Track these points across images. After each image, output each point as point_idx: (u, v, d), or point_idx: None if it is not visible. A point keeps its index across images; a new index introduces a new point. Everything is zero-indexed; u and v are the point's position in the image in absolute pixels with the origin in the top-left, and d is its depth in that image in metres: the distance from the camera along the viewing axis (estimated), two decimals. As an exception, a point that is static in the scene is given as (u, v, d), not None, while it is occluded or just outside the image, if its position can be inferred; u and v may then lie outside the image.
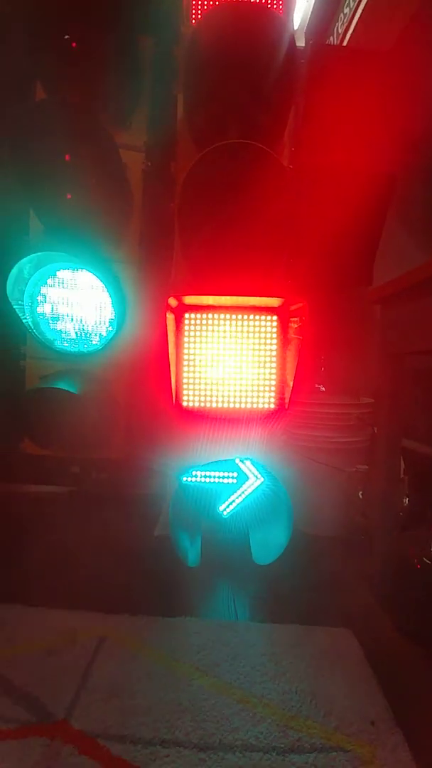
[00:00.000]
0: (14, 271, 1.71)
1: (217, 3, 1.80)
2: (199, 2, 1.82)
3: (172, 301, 1.61)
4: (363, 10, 2.09)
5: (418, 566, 1.39)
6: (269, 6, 1.79)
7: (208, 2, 1.82)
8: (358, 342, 2.37)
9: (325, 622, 1.44)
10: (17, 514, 2.14)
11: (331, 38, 2.34)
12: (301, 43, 2.26)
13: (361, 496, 1.98)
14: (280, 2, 1.85)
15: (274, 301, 1.65)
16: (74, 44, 1.83)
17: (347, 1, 2.26)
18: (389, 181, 1.93)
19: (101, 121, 1.66)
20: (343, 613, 1.49)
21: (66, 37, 1.82)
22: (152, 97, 1.92)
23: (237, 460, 1.75)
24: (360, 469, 2.02)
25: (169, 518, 1.63)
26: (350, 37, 2.24)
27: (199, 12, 1.81)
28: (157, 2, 1.93)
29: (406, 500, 1.81)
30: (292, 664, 1.29)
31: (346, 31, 2.25)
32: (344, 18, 2.30)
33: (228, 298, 1.64)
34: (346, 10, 2.28)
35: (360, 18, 2.13)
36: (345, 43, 2.27)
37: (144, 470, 2.23)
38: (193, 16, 1.81)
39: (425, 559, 1.38)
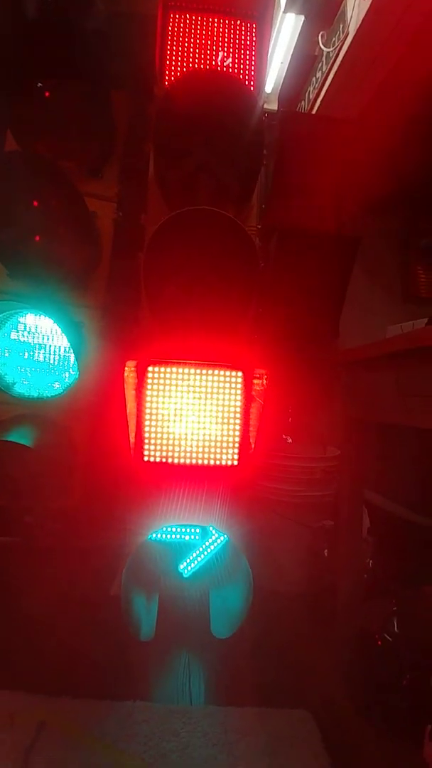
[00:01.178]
0: (-29, 318, 1.64)
1: (190, 67, 1.86)
2: (173, 64, 1.86)
3: (131, 364, 1.58)
4: (333, 77, 2.19)
5: (379, 642, 1.35)
6: (241, 77, 1.85)
7: (182, 65, 1.86)
8: (325, 391, 2.38)
9: (284, 702, 1.37)
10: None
11: (303, 102, 2.45)
12: (273, 106, 2.36)
13: (326, 554, 1.94)
14: (252, 69, 1.92)
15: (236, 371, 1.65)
16: (47, 93, 1.85)
17: (319, 66, 2.38)
18: (353, 244, 2.00)
19: (68, 172, 1.65)
20: (303, 690, 1.43)
21: (39, 85, 1.84)
22: (125, 151, 1.93)
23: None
24: (326, 525, 1.99)
25: (123, 581, 1.53)
26: (321, 102, 2.35)
27: (173, 74, 1.85)
28: (131, 59, 1.98)
29: (370, 562, 1.78)
30: (246, 753, 1.21)
31: (317, 96, 2.36)
32: (316, 82, 2.42)
33: (191, 363, 1.63)
34: (318, 75, 2.40)
35: (330, 84, 2.24)
36: (316, 107, 2.38)
37: (102, 521, 2.12)
38: (167, 77, 1.85)
39: (386, 636, 1.34)
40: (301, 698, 1.39)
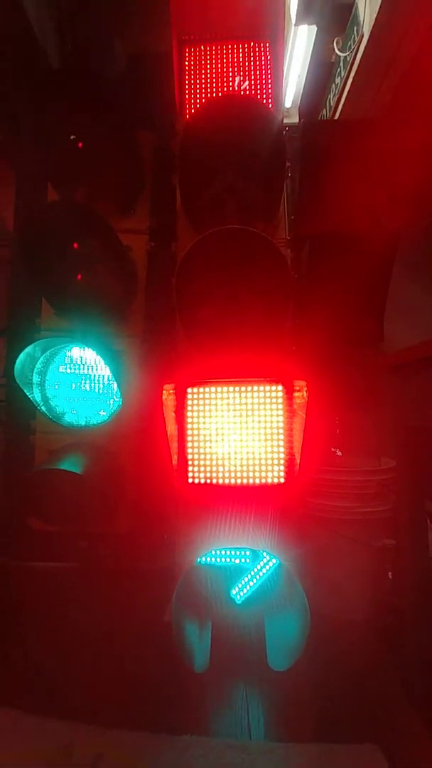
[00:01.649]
0: (22, 356, 1.77)
1: (209, 97, 1.92)
2: (192, 97, 1.94)
3: (168, 387, 1.60)
4: (353, 80, 2.16)
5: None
6: (259, 96, 1.89)
7: (201, 96, 1.94)
8: (373, 396, 2.26)
9: (349, 736, 1.27)
10: (22, 593, 2.08)
11: (324, 111, 2.43)
12: (295, 119, 2.36)
13: (390, 577, 1.80)
14: (270, 87, 1.94)
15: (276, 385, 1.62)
16: (80, 144, 2.00)
17: (338, 72, 2.36)
18: (391, 241, 1.92)
19: (104, 215, 1.75)
20: (370, 723, 1.31)
21: (72, 137, 1.99)
22: (153, 186, 2.03)
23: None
24: (387, 544, 1.84)
25: (174, 609, 1.51)
26: (342, 107, 2.31)
27: (193, 106, 1.93)
28: (151, 98, 2.09)
29: (440, 584, 1.62)
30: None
31: (338, 102, 2.33)
32: (336, 89, 2.39)
33: (229, 381, 1.62)
34: (338, 80, 2.37)
35: (350, 88, 2.20)
36: (338, 113, 2.35)
37: (153, 543, 2.14)
38: (187, 111, 1.93)
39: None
40: (369, 731, 1.27)
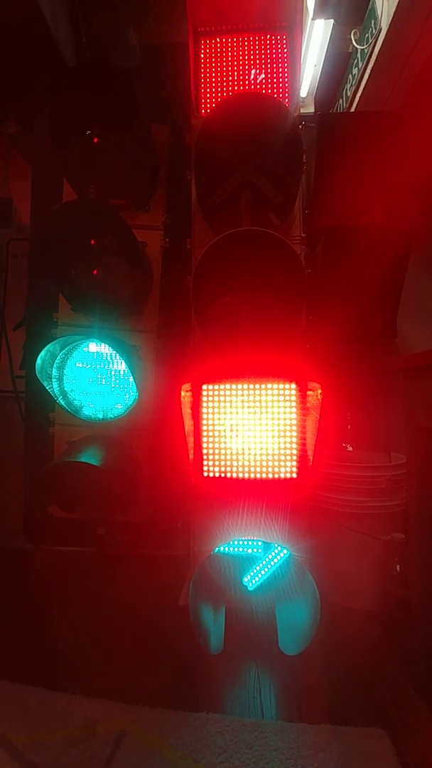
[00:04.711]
0: (43, 353, 1.82)
1: (225, 90, 1.91)
2: (208, 90, 1.93)
3: (186, 387, 1.64)
4: (370, 73, 2.12)
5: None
6: (275, 88, 1.87)
7: (217, 90, 1.92)
8: (384, 392, 2.29)
9: (357, 720, 1.34)
10: (45, 576, 2.18)
11: (341, 101, 2.39)
12: (310, 108, 2.33)
13: (398, 569, 1.85)
14: (286, 79, 1.92)
15: (290, 383, 1.65)
16: (96, 140, 2.00)
17: (355, 63, 2.31)
18: (406, 237, 1.92)
19: (119, 209, 1.77)
20: (377, 708, 1.38)
21: (88, 132, 2.00)
22: (168, 182, 2.04)
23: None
24: (395, 538, 1.90)
25: (191, 595, 1.59)
26: (360, 98, 2.27)
27: (209, 100, 1.91)
28: (166, 91, 2.08)
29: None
30: (319, 770, 1.20)
31: (355, 92, 2.29)
32: (353, 80, 2.34)
33: (243, 378, 1.66)
34: (355, 71, 2.33)
35: (368, 80, 2.16)
36: (355, 104, 2.31)
37: (167, 532, 2.22)
38: (203, 104, 1.91)
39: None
40: (376, 716, 1.34)
